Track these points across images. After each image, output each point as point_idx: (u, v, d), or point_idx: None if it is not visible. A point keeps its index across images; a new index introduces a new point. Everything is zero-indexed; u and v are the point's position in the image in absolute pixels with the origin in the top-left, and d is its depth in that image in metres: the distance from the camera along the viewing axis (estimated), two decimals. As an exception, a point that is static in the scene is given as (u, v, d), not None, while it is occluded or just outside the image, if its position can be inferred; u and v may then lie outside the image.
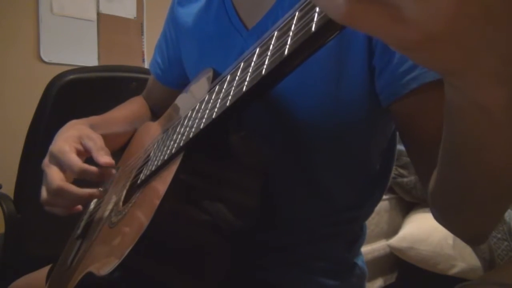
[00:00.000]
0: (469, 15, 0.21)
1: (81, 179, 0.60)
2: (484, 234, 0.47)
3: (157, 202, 0.44)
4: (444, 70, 0.26)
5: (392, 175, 0.67)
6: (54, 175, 0.60)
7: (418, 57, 0.24)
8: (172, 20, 0.76)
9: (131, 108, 0.86)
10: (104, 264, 0.47)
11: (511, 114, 0.28)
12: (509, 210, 1.79)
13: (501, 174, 0.35)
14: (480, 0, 0.21)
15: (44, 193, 0.61)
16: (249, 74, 0.41)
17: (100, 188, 0.63)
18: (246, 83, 0.41)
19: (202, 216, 0.47)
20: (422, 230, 1.72)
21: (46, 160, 0.63)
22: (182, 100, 0.68)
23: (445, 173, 0.40)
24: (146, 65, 2.62)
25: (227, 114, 0.44)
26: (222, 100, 0.45)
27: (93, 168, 0.59)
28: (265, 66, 0.38)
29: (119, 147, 0.81)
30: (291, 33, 0.36)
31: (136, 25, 2.67)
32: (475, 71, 0.25)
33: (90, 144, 0.63)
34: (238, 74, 0.45)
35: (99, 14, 2.49)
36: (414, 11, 0.21)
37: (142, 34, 2.69)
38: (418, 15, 0.21)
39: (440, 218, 0.48)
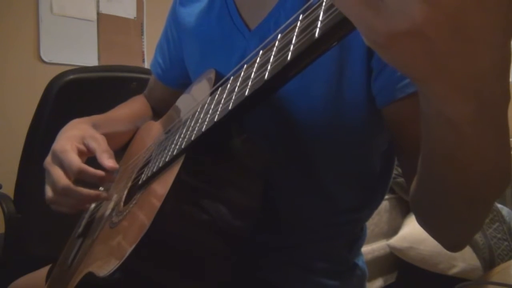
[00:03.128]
0: (438, 21, 0.21)
1: (80, 180, 0.60)
2: (463, 241, 0.47)
3: (158, 203, 0.44)
4: (413, 74, 0.26)
5: (392, 175, 0.67)
6: (60, 175, 0.60)
7: (386, 54, 0.25)
8: (174, 20, 0.76)
9: (133, 107, 0.85)
10: (104, 265, 0.47)
11: (477, 127, 0.29)
12: (509, 210, 1.79)
13: (473, 182, 0.35)
14: (449, 10, 0.21)
15: (49, 192, 0.61)
16: (251, 78, 0.41)
17: (101, 188, 0.63)
18: (248, 87, 0.41)
19: (203, 217, 0.47)
20: (422, 230, 1.71)
21: (48, 159, 0.62)
22: (184, 101, 0.68)
23: (422, 178, 0.41)
24: (146, 65, 2.62)
25: (228, 118, 0.44)
26: (224, 103, 0.45)
27: (92, 170, 0.59)
28: (267, 71, 0.38)
29: (121, 146, 0.81)
30: (294, 38, 0.36)
31: (136, 25, 2.67)
32: (442, 82, 0.25)
33: (93, 145, 0.63)
34: (241, 77, 0.45)
35: (99, 14, 2.49)
36: (389, 2, 0.22)
37: (142, 34, 2.69)
38: (392, 7, 0.22)
39: (421, 222, 0.48)
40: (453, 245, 0.48)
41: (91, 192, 0.60)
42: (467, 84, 0.25)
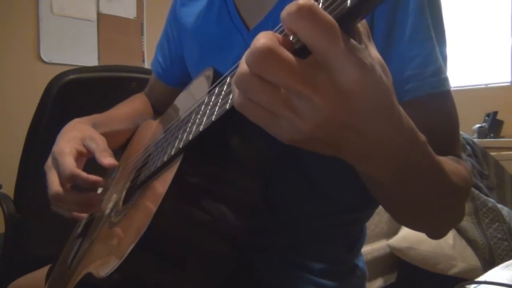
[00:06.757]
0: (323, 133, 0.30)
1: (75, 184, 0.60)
2: (437, 232, 0.54)
3: (156, 205, 0.44)
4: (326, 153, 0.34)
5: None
6: (53, 180, 0.59)
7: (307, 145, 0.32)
8: (174, 19, 0.77)
9: (133, 106, 0.85)
10: (102, 266, 0.47)
11: (393, 175, 0.37)
12: (509, 210, 1.79)
13: (407, 206, 0.47)
14: (328, 125, 0.29)
15: (49, 195, 0.61)
16: None
17: (99, 189, 0.62)
18: None
19: (201, 218, 0.47)
20: (422, 230, 1.71)
21: (48, 162, 0.62)
22: (183, 100, 0.68)
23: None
24: (146, 65, 2.62)
25: (226, 117, 0.44)
26: (221, 102, 0.45)
27: (84, 174, 0.58)
28: None
29: (121, 145, 0.81)
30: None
31: (136, 25, 2.67)
32: (347, 156, 0.33)
33: (93, 146, 0.63)
34: None
35: (99, 14, 2.49)
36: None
37: (142, 34, 2.69)
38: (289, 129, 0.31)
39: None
40: (431, 235, 0.54)
41: (79, 199, 0.59)
42: (369, 152, 0.33)
